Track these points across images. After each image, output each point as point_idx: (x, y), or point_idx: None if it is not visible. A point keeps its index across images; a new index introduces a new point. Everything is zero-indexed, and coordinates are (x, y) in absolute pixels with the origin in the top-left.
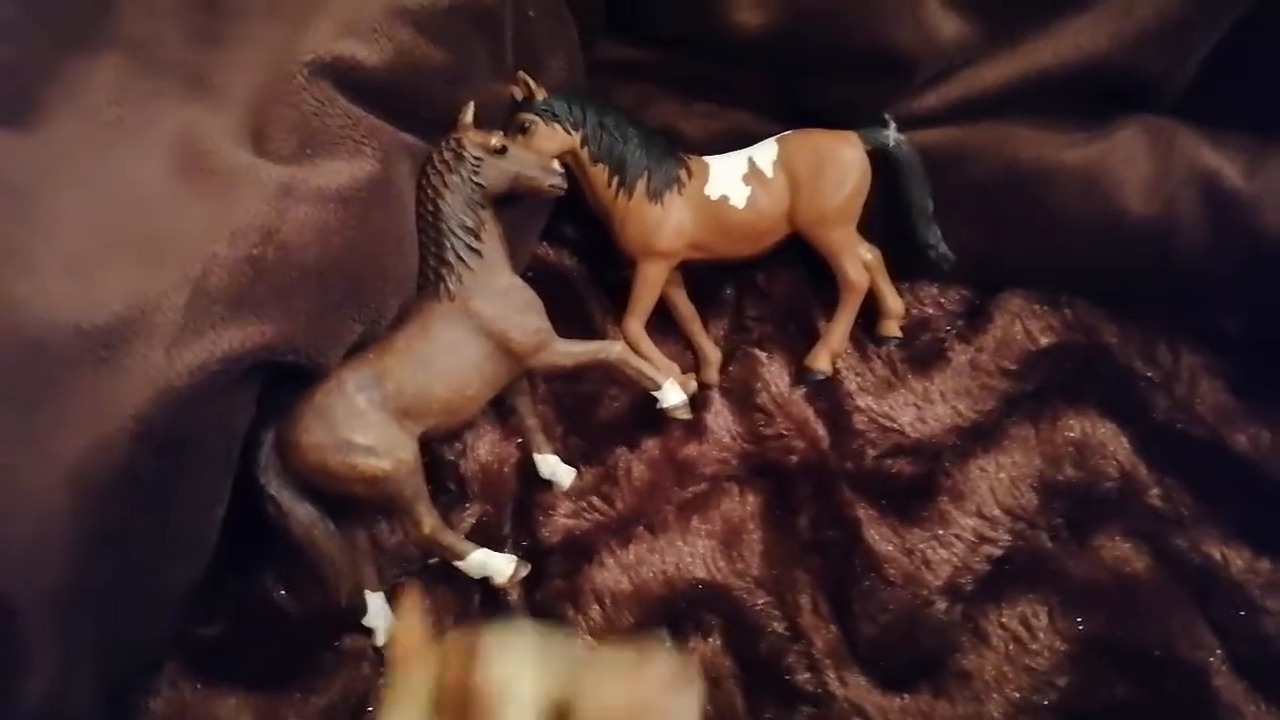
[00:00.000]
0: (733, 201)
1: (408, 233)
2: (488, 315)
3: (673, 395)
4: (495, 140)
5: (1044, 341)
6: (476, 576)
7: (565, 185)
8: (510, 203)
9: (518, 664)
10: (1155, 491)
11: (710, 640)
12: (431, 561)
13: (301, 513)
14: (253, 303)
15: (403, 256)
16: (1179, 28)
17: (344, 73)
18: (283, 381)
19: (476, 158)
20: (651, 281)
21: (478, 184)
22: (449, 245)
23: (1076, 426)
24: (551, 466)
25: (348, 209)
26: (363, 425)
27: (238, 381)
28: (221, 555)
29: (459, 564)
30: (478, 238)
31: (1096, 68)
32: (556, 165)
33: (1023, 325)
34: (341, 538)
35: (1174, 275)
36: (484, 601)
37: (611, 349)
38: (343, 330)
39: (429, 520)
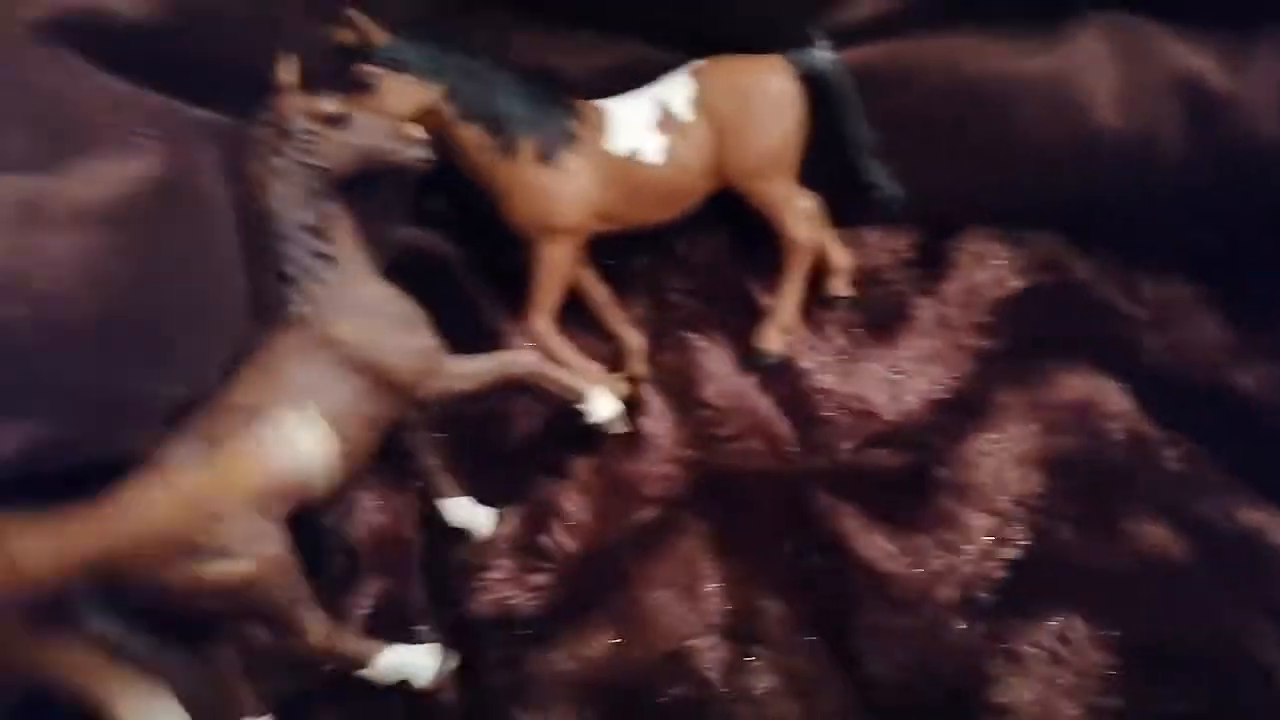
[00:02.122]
0: (646, 156)
1: (221, 246)
2: (354, 342)
3: (604, 406)
4: (329, 105)
5: (1014, 285)
6: (392, 682)
7: (432, 157)
8: (364, 187)
9: None
10: (1170, 452)
11: None
12: (327, 668)
13: (137, 646)
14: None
15: (218, 279)
16: None
17: (93, 32)
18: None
19: (307, 131)
20: (556, 265)
21: (314, 166)
22: (288, 254)
23: (1068, 384)
24: (465, 511)
25: (121, 231)
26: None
27: None
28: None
29: (366, 673)
30: (324, 238)
31: None
32: (417, 130)
33: (988, 269)
34: (197, 666)
35: (1151, 193)
36: (409, 710)
37: (519, 359)
38: (148, 401)
39: (316, 626)
